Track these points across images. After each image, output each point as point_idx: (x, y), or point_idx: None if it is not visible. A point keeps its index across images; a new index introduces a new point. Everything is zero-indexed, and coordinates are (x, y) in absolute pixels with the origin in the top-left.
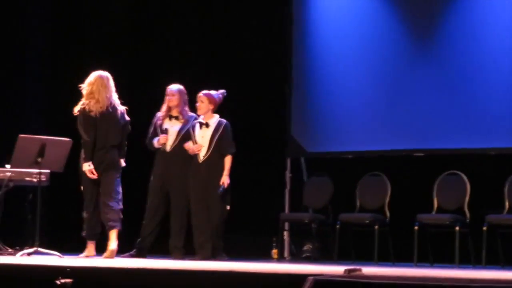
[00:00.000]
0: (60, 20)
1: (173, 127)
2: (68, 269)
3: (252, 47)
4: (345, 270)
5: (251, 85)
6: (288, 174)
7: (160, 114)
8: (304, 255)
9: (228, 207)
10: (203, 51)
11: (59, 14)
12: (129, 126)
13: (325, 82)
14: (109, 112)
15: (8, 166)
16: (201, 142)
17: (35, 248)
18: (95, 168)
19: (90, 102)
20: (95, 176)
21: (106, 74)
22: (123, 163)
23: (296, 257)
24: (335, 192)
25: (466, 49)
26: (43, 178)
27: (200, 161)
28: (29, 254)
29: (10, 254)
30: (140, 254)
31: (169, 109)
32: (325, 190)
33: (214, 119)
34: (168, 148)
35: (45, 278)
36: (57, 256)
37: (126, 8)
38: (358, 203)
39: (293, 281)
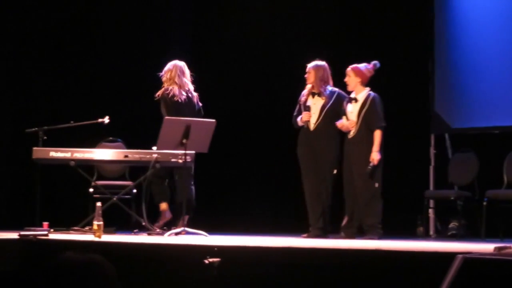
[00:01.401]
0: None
1: (316, 104)
2: (216, 248)
3: (395, 23)
4: (495, 248)
5: (394, 62)
6: (432, 151)
7: (304, 91)
8: (450, 233)
9: (376, 185)
10: (344, 27)
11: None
12: (202, 111)
13: (469, 57)
14: (188, 97)
15: (154, 148)
16: (351, 118)
17: (182, 228)
18: None
19: (173, 87)
20: None
21: (182, 62)
22: None
23: (441, 235)
24: (480, 168)
25: None
26: (188, 159)
27: (349, 137)
28: (176, 233)
29: (158, 234)
30: (315, 235)
31: (313, 86)
32: (470, 167)
33: (363, 93)
34: (311, 126)
35: (193, 258)
36: (203, 236)
37: None
38: (505, 179)
39: (441, 259)
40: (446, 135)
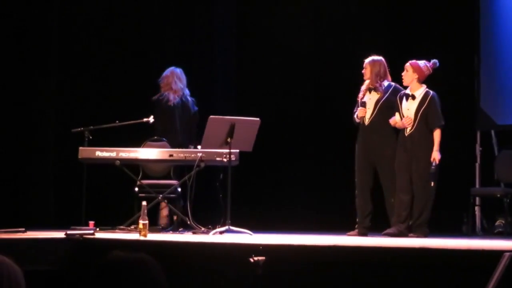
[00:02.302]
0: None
1: (371, 99)
2: (261, 247)
3: (441, 19)
4: None
5: (440, 58)
6: (478, 148)
7: (362, 87)
8: (496, 231)
9: (432, 184)
10: (392, 25)
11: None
12: (197, 115)
13: None
14: (183, 101)
15: (199, 147)
16: (408, 115)
17: (227, 227)
18: None
19: (168, 93)
20: None
21: (179, 69)
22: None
23: (487, 233)
24: None
25: None
26: (233, 157)
27: (406, 135)
28: (221, 232)
29: (203, 233)
30: (361, 233)
31: (370, 81)
32: None
33: (420, 90)
34: (367, 121)
35: (238, 256)
36: (248, 234)
37: None
38: None
39: (487, 257)
40: (492, 132)
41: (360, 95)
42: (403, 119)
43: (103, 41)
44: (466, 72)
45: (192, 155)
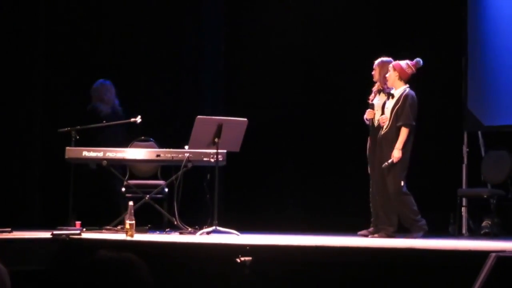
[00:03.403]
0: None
1: (380, 101)
2: (248, 247)
3: (429, 20)
4: None
5: (427, 59)
6: (465, 149)
7: (374, 88)
8: (483, 231)
9: (402, 183)
10: (378, 25)
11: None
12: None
13: (502, 54)
14: (114, 111)
15: (186, 147)
16: (386, 114)
17: (214, 227)
18: None
19: (100, 104)
20: None
21: (108, 81)
22: None
23: (474, 234)
24: None
25: None
26: (220, 158)
27: (381, 134)
28: (208, 233)
29: (190, 233)
30: (375, 233)
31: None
32: (503, 165)
33: (400, 90)
34: (375, 122)
35: (225, 256)
36: (235, 235)
37: None
38: None
39: (474, 258)
40: (479, 133)
41: (371, 97)
42: (380, 117)
43: (91, 41)
44: (454, 73)
45: (179, 156)
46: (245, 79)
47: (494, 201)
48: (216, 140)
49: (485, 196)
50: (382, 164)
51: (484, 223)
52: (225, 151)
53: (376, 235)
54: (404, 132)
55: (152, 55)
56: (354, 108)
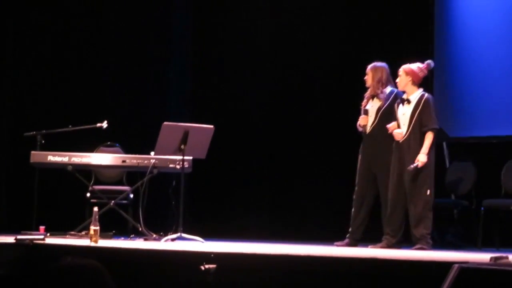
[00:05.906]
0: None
1: (373, 107)
2: (212, 255)
3: (394, 30)
4: (491, 258)
5: (392, 69)
6: None
7: (366, 94)
8: (446, 242)
9: (428, 192)
10: (344, 28)
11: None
12: None
13: (467, 65)
14: None
15: (152, 153)
16: (402, 120)
17: (179, 234)
18: None
19: None
20: None
21: None
22: None
23: (438, 244)
24: (478, 178)
25: None
26: (186, 165)
27: (400, 141)
28: (173, 239)
29: (155, 239)
30: (352, 244)
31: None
32: (468, 176)
33: (416, 94)
34: (368, 129)
35: (189, 264)
36: (200, 242)
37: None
38: (503, 189)
39: (437, 268)
40: (444, 144)
41: (364, 102)
42: (390, 124)
43: (58, 45)
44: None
45: (145, 162)
46: (212, 85)
47: (458, 212)
48: (182, 146)
49: (449, 207)
50: (398, 174)
51: (448, 234)
52: (191, 158)
53: (417, 246)
54: (430, 137)
55: (118, 59)
56: (322, 113)
